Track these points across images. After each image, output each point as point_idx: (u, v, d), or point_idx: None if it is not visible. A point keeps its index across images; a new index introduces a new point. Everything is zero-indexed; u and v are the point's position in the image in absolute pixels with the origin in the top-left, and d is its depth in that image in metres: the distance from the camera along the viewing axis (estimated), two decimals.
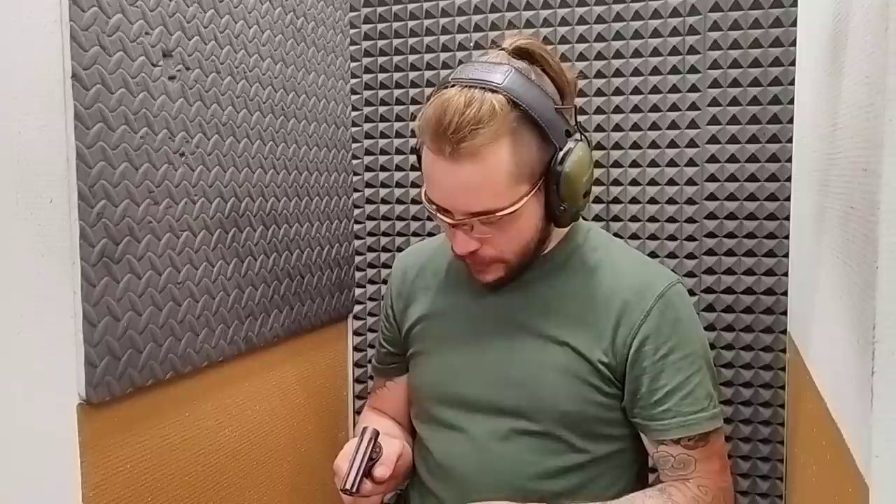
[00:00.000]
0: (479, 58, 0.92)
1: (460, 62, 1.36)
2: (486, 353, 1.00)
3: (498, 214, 0.86)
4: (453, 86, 0.86)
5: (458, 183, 0.86)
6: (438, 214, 0.91)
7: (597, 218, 1.30)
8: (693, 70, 1.24)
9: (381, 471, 0.92)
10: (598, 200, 1.30)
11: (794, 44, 1.18)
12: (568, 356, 0.95)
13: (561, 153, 0.87)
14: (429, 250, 1.13)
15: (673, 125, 1.25)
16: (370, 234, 1.46)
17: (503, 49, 0.91)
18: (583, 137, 0.90)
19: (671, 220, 1.27)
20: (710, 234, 1.25)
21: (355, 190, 1.45)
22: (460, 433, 0.99)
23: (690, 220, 1.26)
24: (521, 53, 0.91)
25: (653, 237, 1.28)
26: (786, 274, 1.21)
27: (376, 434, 0.93)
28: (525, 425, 0.96)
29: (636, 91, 1.27)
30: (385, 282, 1.44)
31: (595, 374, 0.95)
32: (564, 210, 0.90)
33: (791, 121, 1.19)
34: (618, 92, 1.28)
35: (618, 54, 1.28)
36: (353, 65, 1.42)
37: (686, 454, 0.95)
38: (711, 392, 0.96)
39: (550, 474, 0.95)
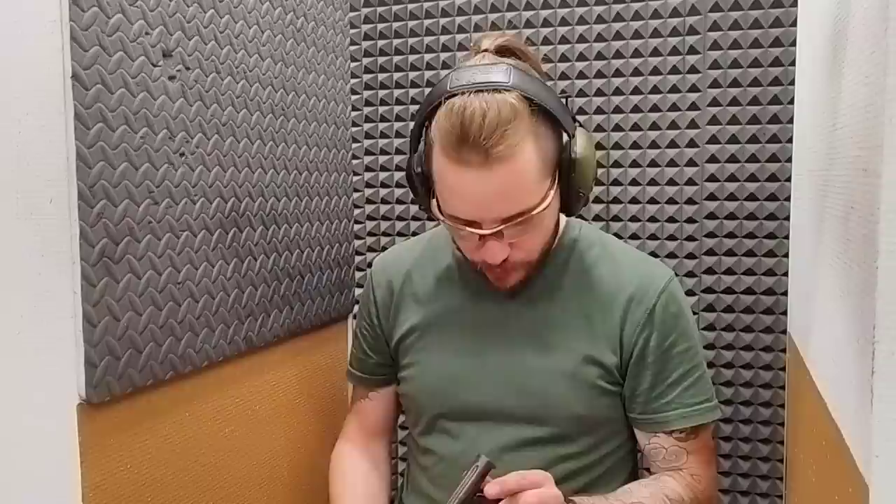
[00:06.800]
0: (466, 63, 0.88)
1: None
2: (491, 361, 0.98)
3: (534, 213, 0.84)
4: (457, 94, 0.81)
5: (493, 190, 0.82)
6: (467, 229, 0.86)
7: (597, 218, 1.30)
8: (693, 70, 1.24)
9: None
10: (598, 200, 1.30)
11: (794, 44, 1.18)
12: (577, 362, 0.95)
13: (572, 140, 0.86)
14: (410, 256, 1.09)
15: (673, 125, 1.25)
16: (370, 234, 1.46)
17: (486, 50, 0.90)
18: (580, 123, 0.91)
19: (671, 220, 1.27)
20: (710, 234, 1.25)
21: (355, 190, 1.44)
22: (469, 443, 0.97)
23: (690, 220, 1.26)
24: (504, 51, 0.90)
25: (653, 237, 1.28)
26: (786, 274, 1.21)
27: (489, 467, 0.82)
28: (537, 433, 0.95)
29: (636, 91, 1.27)
30: None
31: (605, 376, 0.95)
32: (581, 196, 0.89)
33: (791, 121, 1.19)
34: (618, 92, 1.28)
35: (618, 54, 1.28)
36: (353, 65, 1.42)
37: (678, 446, 0.96)
38: (710, 384, 0.99)
39: (561, 479, 0.93)
